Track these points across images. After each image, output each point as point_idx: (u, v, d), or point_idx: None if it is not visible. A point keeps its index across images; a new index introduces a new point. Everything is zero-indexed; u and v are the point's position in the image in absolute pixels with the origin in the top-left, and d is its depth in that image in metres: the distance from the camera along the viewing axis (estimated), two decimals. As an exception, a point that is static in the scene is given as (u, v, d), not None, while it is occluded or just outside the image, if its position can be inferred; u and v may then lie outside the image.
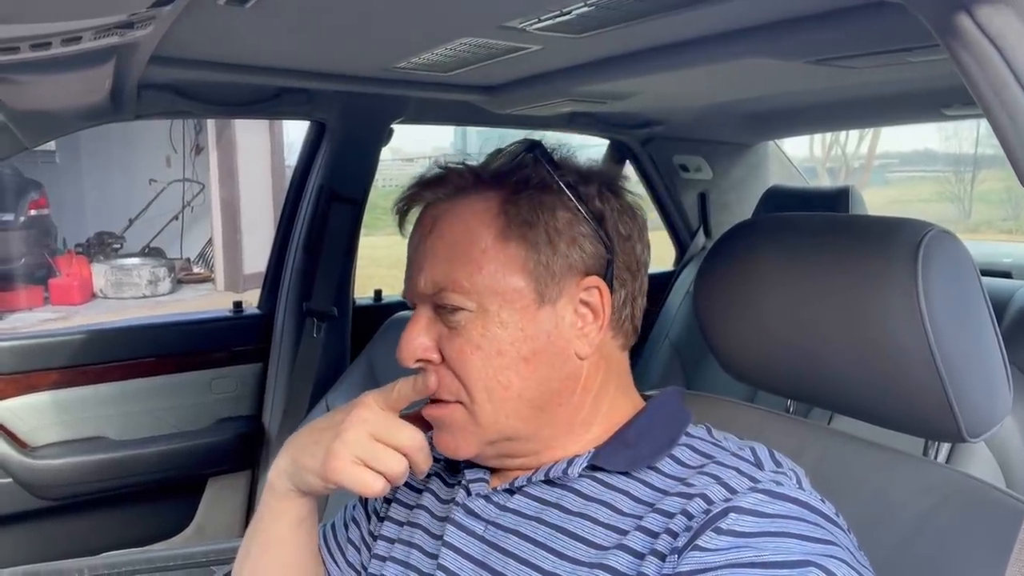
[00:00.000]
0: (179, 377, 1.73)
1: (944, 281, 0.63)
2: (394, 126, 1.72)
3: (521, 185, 0.64)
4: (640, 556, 0.55)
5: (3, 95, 0.83)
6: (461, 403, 0.63)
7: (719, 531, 0.52)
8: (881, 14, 0.75)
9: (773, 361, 0.77)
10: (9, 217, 7.63)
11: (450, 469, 0.74)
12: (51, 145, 7.76)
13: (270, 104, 1.44)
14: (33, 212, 7.79)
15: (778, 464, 0.59)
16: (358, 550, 0.77)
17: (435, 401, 0.65)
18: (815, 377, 0.74)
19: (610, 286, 0.64)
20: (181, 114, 1.40)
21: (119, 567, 1.64)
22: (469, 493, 0.67)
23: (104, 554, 1.70)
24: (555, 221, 0.63)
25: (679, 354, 1.98)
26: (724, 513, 0.53)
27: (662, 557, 0.54)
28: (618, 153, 2.16)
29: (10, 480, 1.57)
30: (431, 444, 0.74)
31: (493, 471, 0.69)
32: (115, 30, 0.69)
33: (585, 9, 0.82)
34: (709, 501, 0.55)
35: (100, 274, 7.79)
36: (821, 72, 1.08)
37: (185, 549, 1.67)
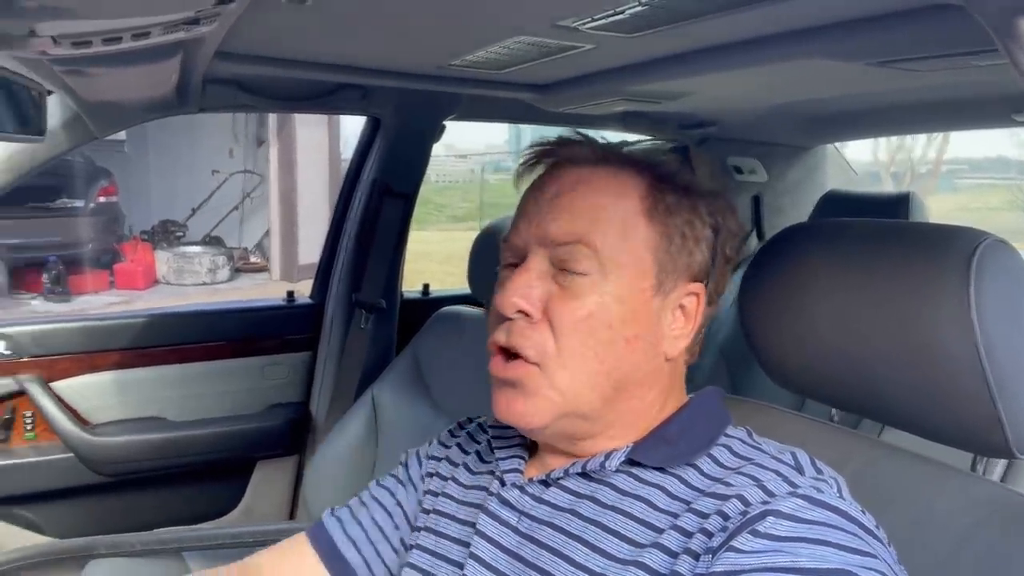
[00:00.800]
0: (233, 363, 1.79)
1: (998, 292, 0.61)
2: (446, 123, 1.74)
3: (668, 177, 0.65)
4: (674, 555, 0.55)
5: (75, 86, 0.87)
6: (545, 367, 0.61)
7: (756, 533, 0.51)
8: (944, 16, 0.73)
9: (819, 368, 0.75)
10: (80, 203, 7.97)
11: (481, 458, 0.74)
12: (120, 135, 8.06)
13: (328, 99, 1.48)
14: (102, 199, 8.11)
15: (819, 471, 0.59)
16: (397, 535, 0.76)
17: (514, 358, 0.63)
18: (862, 386, 0.72)
19: (706, 298, 0.66)
20: (243, 108, 1.45)
21: (169, 543, 1.71)
22: (504, 483, 0.67)
23: (157, 530, 1.77)
24: (692, 220, 0.64)
25: (726, 358, 1.95)
26: (762, 516, 0.52)
27: (696, 556, 0.54)
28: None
29: (72, 455, 1.64)
30: (482, 426, 0.74)
31: (529, 461, 0.69)
32: (182, 26, 0.71)
33: (639, 8, 0.81)
34: (746, 503, 0.55)
35: (163, 261, 8.07)
36: (882, 74, 1.05)
37: (233, 529, 1.73)
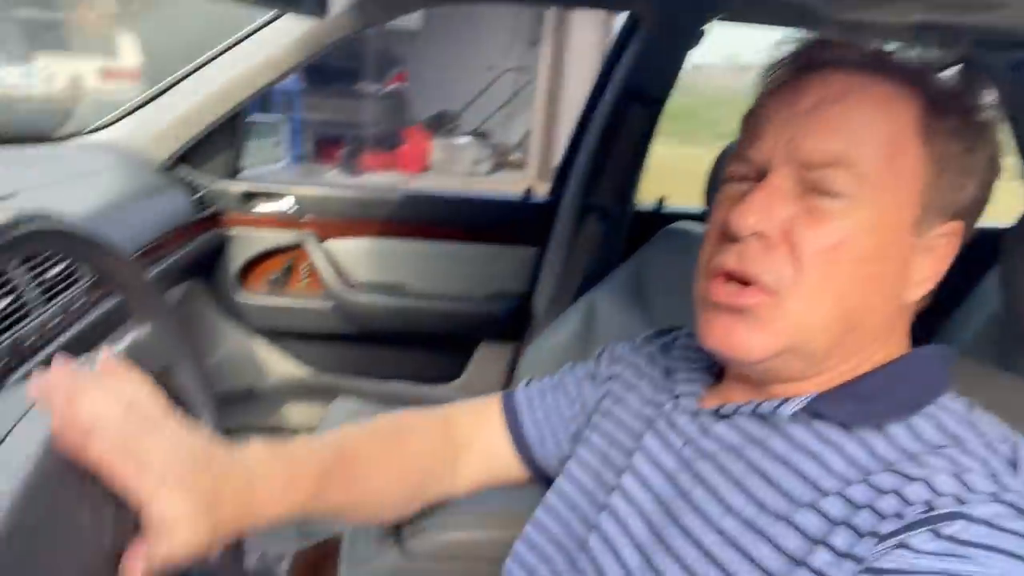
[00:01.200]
0: (468, 247, 1.93)
1: None
2: (716, 24, 1.62)
3: (952, 97, 0.56)
4: (833, 523, 0.50)
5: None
6: (779, 296, 0.55)
7: (937, 535, 0.44)
8: None
9: None
10: (375, 88, 8.85)
11: (666, 374, 0.72)
12: (414, 26, 8.70)
13: None
14: (394, 85, 8.93)
15: None
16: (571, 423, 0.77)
17: (743, 283, 0.57)
18: None
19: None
20: (518, 1, 1.47)
21: (399, 396, 1.93)
22: (677, 406, 0.65)
23: (391, 382, 2.01)
24: (971, 148, 0.56)
25: (998, 327, 1.68)
26: (950, 517, 0.44)
27: (859, 534, 0.48)
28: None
29: (333, 304, 1.91)
30: (675, 339, 0.73)
31: (710, 387, 0.66)
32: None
33: None
34: (934, 491, 0.47)
35: (436, 149, 8.78)
36: None
37: (450, 398, 1.90)
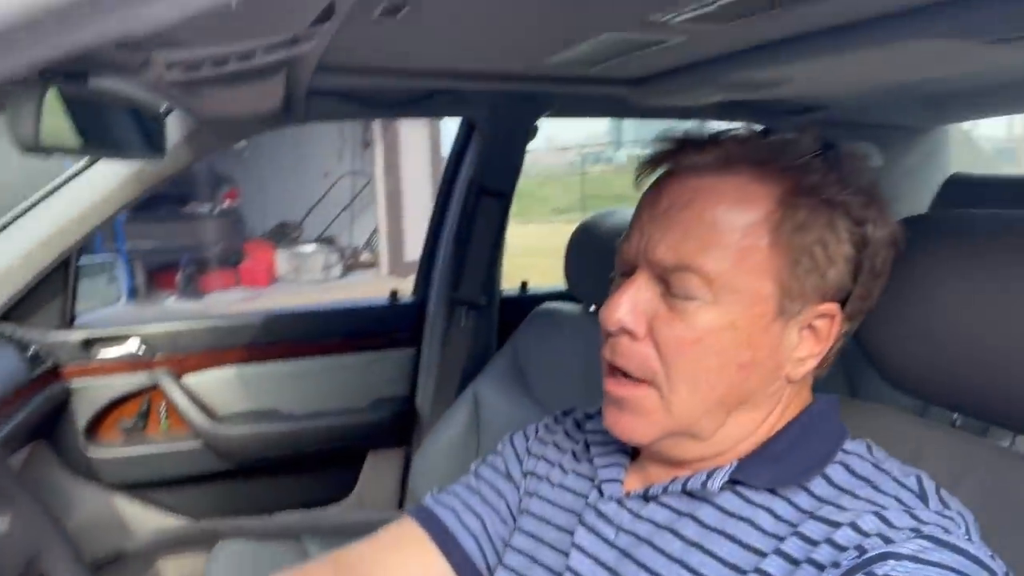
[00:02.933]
0: (342, 359, 1.88)
1: None
2: (543, 120, 1.74)
3: (806, 190, 0.57)
4: None
5: (191, 105, 0.94)
6: (654, 387, 0.59)
7: None
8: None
9: (942, 371, 0.70)
10: (207, 208, 8.57)
11: (577, 458, 0.71)
12: (240, 143, 8.61)
13: (424, 104, 1.52)
14: (227, 203, 8.70)
15: (945, 504, 0.53)
16: (504, 523, 0.73)
17: (623, 376, 0.60)
18: (990, 390, 0.67)
19: (843, 316, 0.60)
20: (346, 116, 1.51)
21: (289, 528, 1.81)
22: (602, 494, 0.65)
23: (277, 514, 1.88)
24: (826, 238, 0.57)
25: (843, 357, 1.86)
26: (881, 558, 0.48)
27: None
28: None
29: (201, 443, 1.78)
30: (579, 423, 0.72)
31: (629, 467, 0.67)
32: (283, 46, 0.76)
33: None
34: (861, 532, 0.50)
35: (282, 260, 8.57)
36: (1004, 51, 0.97)
37: (347, 515, 1.82)
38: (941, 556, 0.47)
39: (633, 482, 0.66)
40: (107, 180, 1.53)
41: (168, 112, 1.25)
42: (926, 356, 0.71)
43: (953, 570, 0.46)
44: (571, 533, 0.65)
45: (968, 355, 0.66)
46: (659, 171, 0.63)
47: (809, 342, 0.59)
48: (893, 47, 0.94)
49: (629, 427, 0.60)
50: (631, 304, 0.59)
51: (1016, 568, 0.52)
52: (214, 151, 1.61)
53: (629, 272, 0.61)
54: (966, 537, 0.50)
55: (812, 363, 0.60)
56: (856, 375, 1.79)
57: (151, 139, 0.91)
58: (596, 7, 0.86)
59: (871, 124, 1.97)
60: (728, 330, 0.57)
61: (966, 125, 2.09)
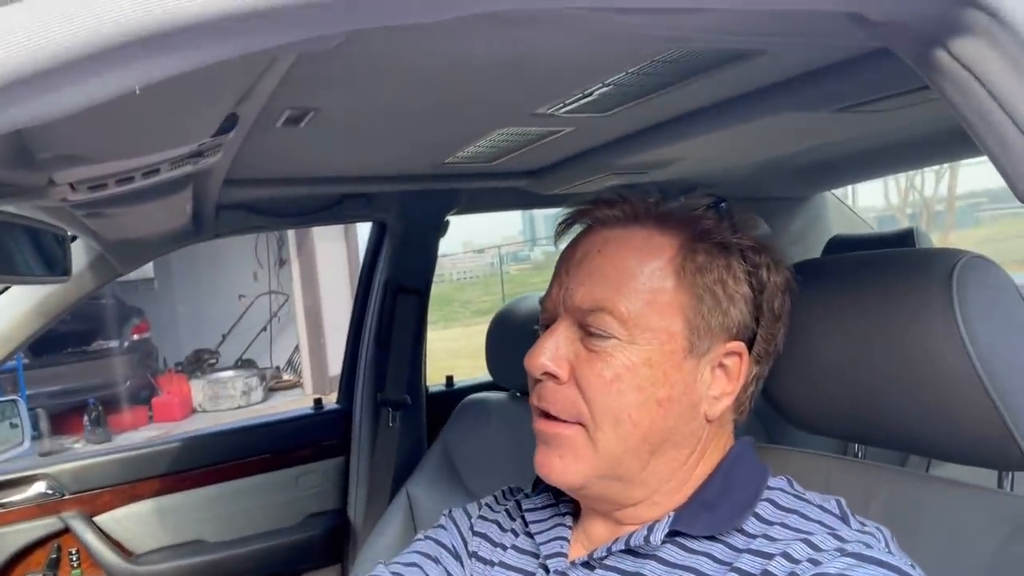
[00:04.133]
0: (268, 476, 1.81)
1: (982, 306, 0.62)
2: (451, 218, 1.81)
3: (702, 235, 0.64)
4: None
5: (96, 227, 0.94)
6: (582, 426, 0.62)
7: None
8: (889, 58, 0.78)
9: (828, 403, 0.76)
10: (114, 344, 8.19)
11: (518, 535, 0.72)
12: (149, 273, 8.38)
13: (334, 210, 1.55)
14: (136, 337, 8.35)
15: (862, 523, 0.58)
16: None
17: (550, 418, 0.64)
18: (872, 417, 0.73)
19: (751, 357, 0.65)
20: (256, 228, 1.53)
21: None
22: (548, 572, 0.65)
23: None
24: (725, 279, 0.63)
25: (755, 409, 1.92)
26: None
27: None
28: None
29: (117, 588, 1.65)
30: (519, 502, 0.73)
31: (573, 530, 0.68)
32: (188, 160, 0.78)
33: (604, 89, 0.87)
34: (792, 560, 0.53)
35: (198, 389, 8.20)
36: (853, 119, 1.09)
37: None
38: (866, 571, 0.51)
39: (578, 549, 0.67)
40: (10, 311, 1.47)
41: (74, 238, 1.23)
42: (810, 391, 0.76)
43: None
44: None
45: (846, 387, 0.72)
46: (575, 229, 0.70)
47: (721, 380, 0.64)
48: (758, 123, 1.05)
49: (559, 468, 0.63)
50: (553, 349, 0.63)
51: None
52: (119, 276, 1.58)
53: (550, 323, 0.66)
54: (886, 550, 0.54)
55: (727, 401, 0.64)
56: (770, 425, 1.86)
57: (55, 262, 0.90)
58: (489, 104, 0.93)
59: (757, 197, 2.14)
60: (644, 367, 0.61)
61: (848, 199, 2.29)
